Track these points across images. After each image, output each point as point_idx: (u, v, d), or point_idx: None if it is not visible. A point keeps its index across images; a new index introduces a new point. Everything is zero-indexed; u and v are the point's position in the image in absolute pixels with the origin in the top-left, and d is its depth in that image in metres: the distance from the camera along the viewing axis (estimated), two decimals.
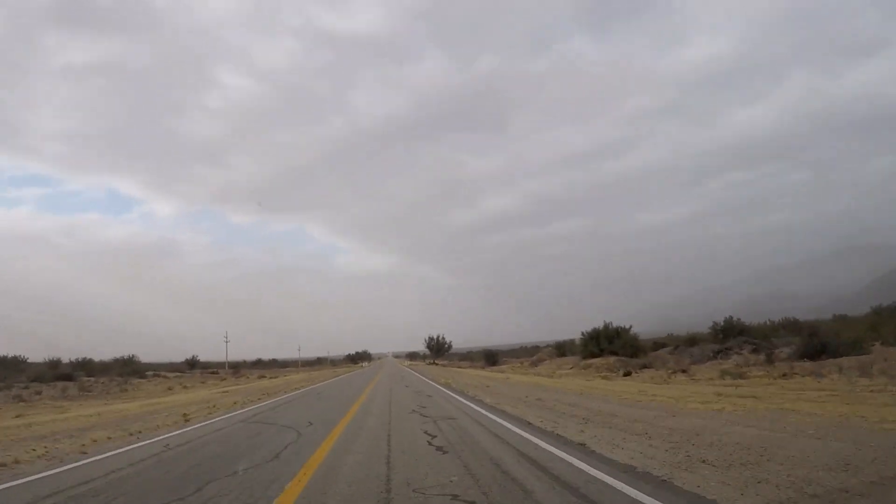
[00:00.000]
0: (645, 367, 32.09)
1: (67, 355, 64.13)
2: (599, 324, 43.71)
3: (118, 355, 67.29)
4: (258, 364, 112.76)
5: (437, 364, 78.24)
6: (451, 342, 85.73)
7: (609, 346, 40.70)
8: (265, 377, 51.61)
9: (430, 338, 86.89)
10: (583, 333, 43.31)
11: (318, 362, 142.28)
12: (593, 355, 40.49)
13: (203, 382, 42.78)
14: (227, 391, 26.18)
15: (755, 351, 30.13)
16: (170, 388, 34.55)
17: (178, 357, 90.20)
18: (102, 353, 65.34)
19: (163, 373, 57.88)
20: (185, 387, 36.95)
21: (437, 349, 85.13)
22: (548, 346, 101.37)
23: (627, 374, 27.89)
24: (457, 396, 16.52)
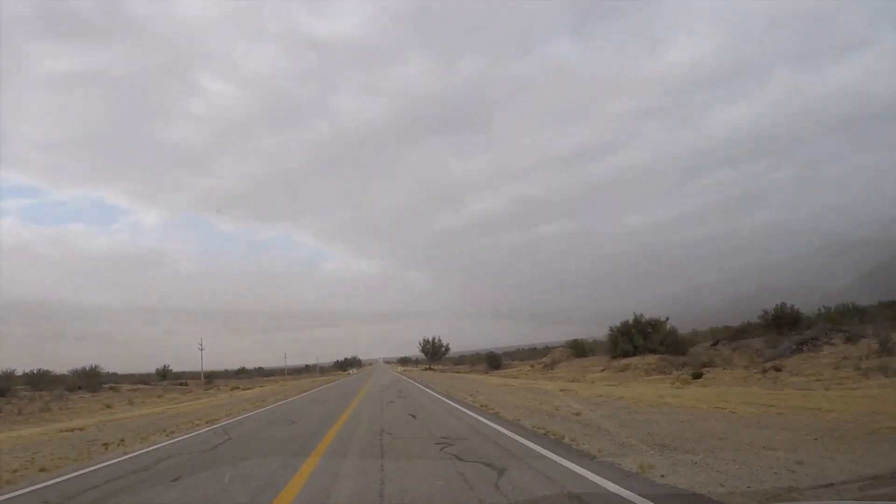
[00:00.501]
0: (705, 366, 25.65)
1: (53, 367, 57.79)
2: (592, 324, 37.75)
3: (86, 365, 60.80)
4: (241, 373, 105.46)
5: (433, 370, 71.38)
6: (448, 345, 78.93)
7: (644, 342, 34.24)
8: (238, 388, 44.61)
9: (424, 340, 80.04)
10: (611, 329, 36.78)
11: (307, 370, 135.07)
12: (626, 354, 34.00)
13: (160, 397, 35.78)
14: (105, 422, 16.18)
15: (849, 340, 23.86)
16: (109, 406, 27.60)
17: (184, 367, 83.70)
18: (94, 363, 60.08)
19: (123, 385, 50.72)
20: (131, 402, 30.07)
21: (434, 353, 78.20)
22: (547, 346, 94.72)
23: (697, 376, 21.34)
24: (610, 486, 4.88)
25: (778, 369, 20.05)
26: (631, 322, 36.12)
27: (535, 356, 70.49)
